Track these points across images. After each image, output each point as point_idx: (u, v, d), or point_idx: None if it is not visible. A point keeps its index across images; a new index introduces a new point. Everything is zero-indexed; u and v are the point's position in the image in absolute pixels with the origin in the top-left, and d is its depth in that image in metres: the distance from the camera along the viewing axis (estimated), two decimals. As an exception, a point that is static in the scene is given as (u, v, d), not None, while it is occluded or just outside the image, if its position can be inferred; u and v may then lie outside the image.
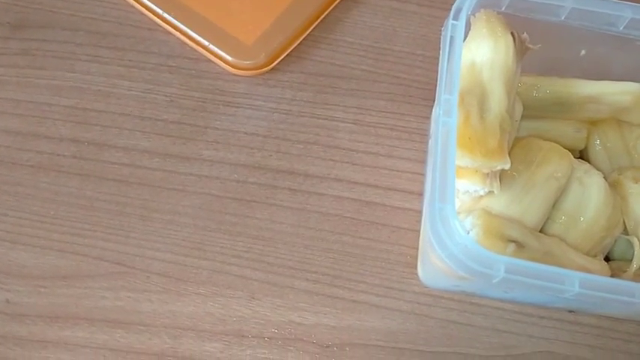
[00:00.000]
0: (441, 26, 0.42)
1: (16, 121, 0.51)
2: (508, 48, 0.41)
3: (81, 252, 0.48)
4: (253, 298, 0.47)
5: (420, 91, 0.53)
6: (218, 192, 0.50)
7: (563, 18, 0.42)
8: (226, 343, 0.46)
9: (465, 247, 0.36)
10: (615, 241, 0.44)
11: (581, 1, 0.41)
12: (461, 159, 0.38)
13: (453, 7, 0.41)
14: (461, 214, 0.41)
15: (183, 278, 0.48)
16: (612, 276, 0.42)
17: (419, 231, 0.49)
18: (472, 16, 0.42)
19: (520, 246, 0.39)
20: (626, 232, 0.44)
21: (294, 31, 0.53)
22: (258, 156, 0.51)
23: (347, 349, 0.46)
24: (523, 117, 0.44)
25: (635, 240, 0.43)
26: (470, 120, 0.39)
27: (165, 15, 0.53)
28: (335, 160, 0.51)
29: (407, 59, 0.54)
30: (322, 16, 0.54)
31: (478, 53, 0.41)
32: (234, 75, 0.53)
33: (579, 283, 0.36)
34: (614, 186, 0.44)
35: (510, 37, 0.41)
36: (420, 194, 0.50)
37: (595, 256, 0.43)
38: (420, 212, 0.49)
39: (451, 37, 0.40)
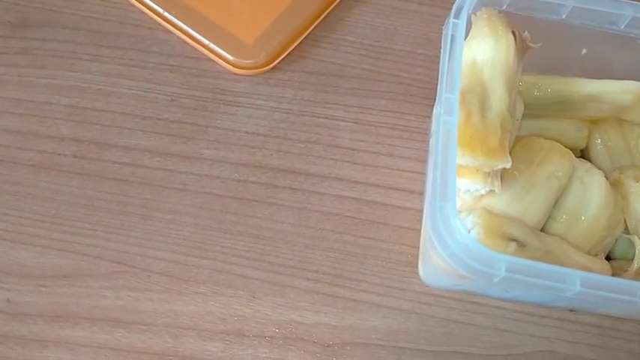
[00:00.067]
0: (442, 25, 0.42)
1: (17, 120, 0.51)
2: (509, 47, 0.41)
3: (82, 251, 0.48)
4: (254, 297, 0.47)
5: (421, 90, 0.53)
6: (219, 191, 0.50)
7: (564, 16, 0.42)
8: (227, 342, 0.46)
9: (466, 246, 0.36)
10: (616, 240, 0.44)
11: (582, 0, 0.41)
12: (462, 158, 0.38)
13: (454, 6, 0.41)
14: (462, 213, 0.41)
15: (184, 277, 0.48)
16: (613, 275, 0.42)
17: (420, 230, 0.49)
18: (473, 15, 0.42)
19: (521, 245, 0.39)
20: (627, 231, 0.44)
21: (295, 30, 0.53)
22: (259, 155, 0.51)
23: (348, 348, 0.46)
24: (524, 116, 0.44)
25: (636, 239, 0.43)
26: (471, 119, 0.39)
27: (166, 14, 0.53)
28: (336, 160, 0.51)
29: (408, 58, 0.54)
30: (323, 15, 0.54)
31: (479, 52, 0.41)
32: (235, 74, 0.53)
33: (580, 282, 0.36)
34: (615, 185, 0.44)
35: (511, 36, 0.41)
36: (421, 193, 0.50)
37: (596, 255, 0.43)
38: (421, 211, 0.49)
39: (452, 35, 0.40)
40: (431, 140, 0.49)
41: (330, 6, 0.54)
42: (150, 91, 0.53)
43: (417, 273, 0.48)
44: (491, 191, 0.40)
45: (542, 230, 0.42)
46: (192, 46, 0.53)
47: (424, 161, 0.51)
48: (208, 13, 0.52)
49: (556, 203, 0.42)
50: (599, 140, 0.47)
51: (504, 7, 0.42)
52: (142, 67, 0.53)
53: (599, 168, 0.44)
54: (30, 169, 0.50)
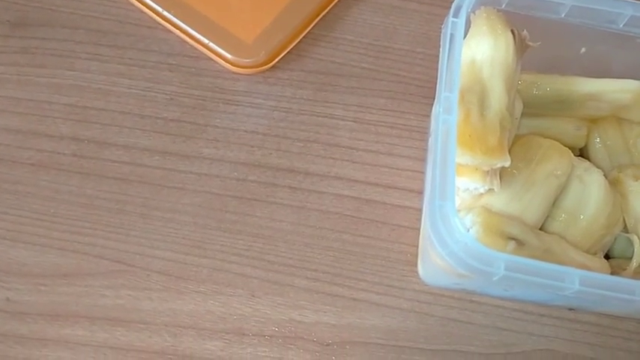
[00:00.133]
0: (441, 24, 0.42)
1: (16, 119, 0.51)
2: (508, 45, 0.41)
3: (81, 250, 0.48)
4: (253, 296, 0.47)
5: (420, 88, 0.53)
6: (218, 190, 0.50)
7: (563, 15, 0.42)
8: (227, 341, 0.46)
9: (465, 245, 0.36)
10: (615, 238, 0.44)
11: (581, -1, 0.41)
12: (461, 157, 0.38)
13: (453, 5, 0.41)
14: (461, 212, 0.41)
15: (183, 276, 0.48)
16: (612, 274, 0.42)
17: (419, 229, 0.49)
18: (472, 14, 0.42)
19: (520, 244, 0.39)
20: (626, 229, 0.44)
21: (294, 29, 0.53)
22: (258, 154, 0.51)
23: (347, 347, 0.46)
24: (523, 115, 0.44)
25: (635, 238, 0.43)
26: (470, 118, 0.39)
27: (165, 13, 0.53)
28: (335, 158, 0.51)
29: (407, 57, 0.54)
30: (322, 14, 0.54)
31: (478, 51, 0.41)
32: (234, 73, 0.53)
33: (579, 281, 0.36)
34: (614, 184, 0.44)
35: (510, 35, 0.41)
36: (420, 192, 0.50)
37: (595, 253, 0.43)
38: (420, 210, 0.49)
39: (451, 34, 0.40)
40: (430, 139, 0.49)
41: (329, 5, 0.54)
42: (149, 90, 0.53)
43: (417, 272, 0.48)
44: (491, 190, 0.40)
45: (541, 229, 0.42)
46: (191, 45, 0.53)
47: (423, 160, 0.51)
48: (208, 12, 0.52)
49: (555, 202, 0.42)
50: (598, 139, 0.47)
51: (503, 6, 0.42)
52: (141, 66, 0.53)
53: (598, 167, 0.44)
54: (29, 168, 0.50)
